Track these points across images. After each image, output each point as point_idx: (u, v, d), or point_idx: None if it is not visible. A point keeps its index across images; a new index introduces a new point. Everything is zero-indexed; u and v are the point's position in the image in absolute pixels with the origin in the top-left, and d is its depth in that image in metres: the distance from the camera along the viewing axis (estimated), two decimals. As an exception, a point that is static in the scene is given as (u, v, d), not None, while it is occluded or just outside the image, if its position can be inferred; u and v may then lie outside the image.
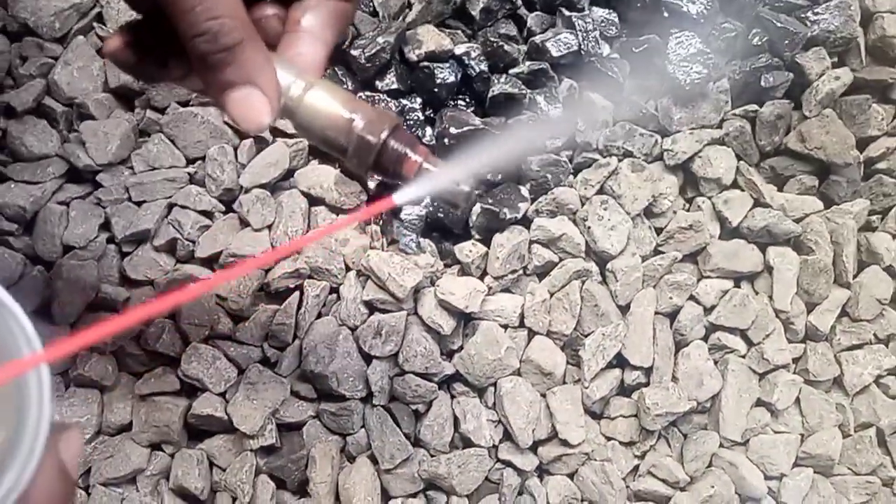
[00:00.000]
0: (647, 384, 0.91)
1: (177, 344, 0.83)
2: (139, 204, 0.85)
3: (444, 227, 0.90)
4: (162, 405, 0.83)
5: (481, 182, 0.89)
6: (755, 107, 0.95)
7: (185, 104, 0.87)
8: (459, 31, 0.93)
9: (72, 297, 0.82)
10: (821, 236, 0.95)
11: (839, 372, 0.96)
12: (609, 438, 0.91)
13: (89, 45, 0.87)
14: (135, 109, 0.89)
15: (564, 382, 0.90)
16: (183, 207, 0.85)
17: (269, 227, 0.85)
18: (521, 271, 0.90)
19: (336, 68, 0.89)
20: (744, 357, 0.94)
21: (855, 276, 0.97)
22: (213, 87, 0.44)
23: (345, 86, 0.89)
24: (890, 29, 0.98)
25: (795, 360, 0.96)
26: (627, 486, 0.90)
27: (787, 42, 0.95)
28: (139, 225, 0.84)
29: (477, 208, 0.89)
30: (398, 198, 0.48)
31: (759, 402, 0.94)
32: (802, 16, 0.97)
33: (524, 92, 0.90)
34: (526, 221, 0.91)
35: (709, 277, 0.94)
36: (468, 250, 0.88)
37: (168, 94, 0.87)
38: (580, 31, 0.93)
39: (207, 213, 0.86)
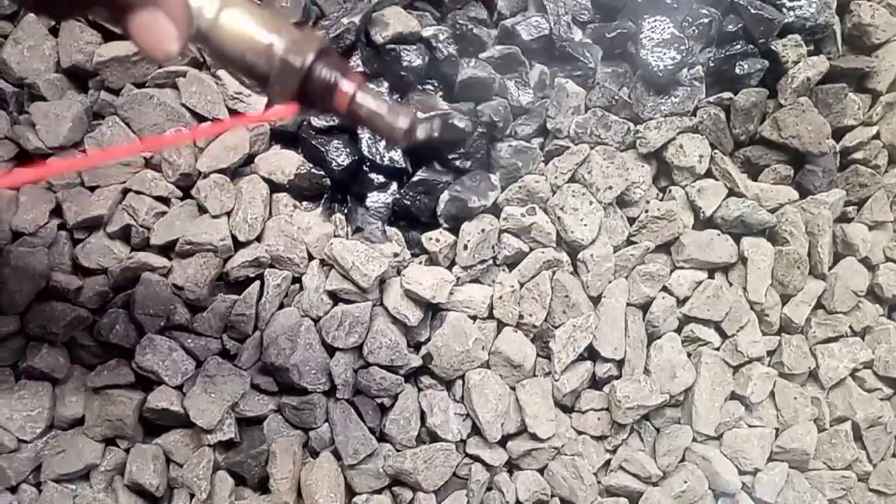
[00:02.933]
0: (618, 377, 0.89)
1: (131, 335, 0.80)
2: (92, 189, 0.82)
3: (411, 214, 0.87)
4: (116, 398, 0.80)
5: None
6: (730, 94, 0.93)
7: (140, 85, 0.84)
8: (427, 14, 0.90)
9: (21, 286, 0.78)
10: (796, 227, 0.93)
11: (814, 365, 0.94)
12: (580, 432, 0.89)
13: (40, 23, 0.83)
14: (88, 91, 0.85)
15: (534, 375, 0.88)
16: (138, 193, 0.82)
17: (228, 213, 0.82)
18: (490, 261, 0.87)
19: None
20: (717, 349, 0.92)
21: (830, 268, 0.95)
22: (115, 10, 0.40)
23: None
24: (866, 17, 0.96)
25: (770, 353, 0.94)
26: (599, 482, 0.87)
27: (762, 29, 0.93)
28: (92, 211, 0.80)
29: (445, 196, 0.86)
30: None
31: (733, 396, 0.92)
32: (778, 2, 0.95)
33: (494, 76, 0.87)
34: (496, 210, 0.88)
35: (682, 268, 0.92)
36: (436, 239, 0.86)
37: (123, 74, 0.84)
38: (552, 15, 0.90)
39: (164, 199, 0.82)
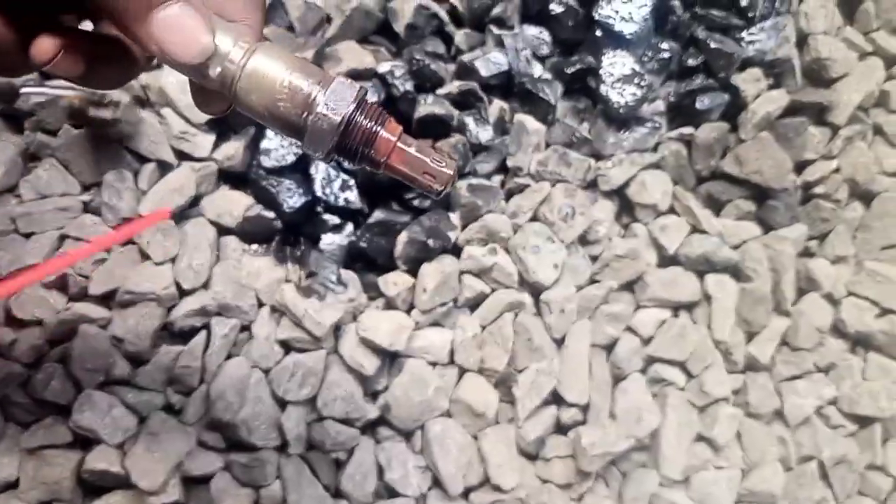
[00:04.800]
0: (583, 422, 0.86)
1: (68, 391, 0.75)
2: (27, 236, 0.77)
3: (367, 257, 0.84)
4: (52, 459, 0.75)
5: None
6: (691, 129, 0.92)
7: (79, 126, 0.79)
8: (383, 48, 0.87)
9: (-51, 340, 0.73)
10: (759, 263, 0.92)
11: (780, 403, 0.92)
12: (545, 481, 0.86)
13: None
14: (24, 132, 0.80)
15: (497, 422, 0.85)
16: (76, 239, 0.77)
17: (173, 260, 0.78)
18: (450, 304, 0.84)
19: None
20: (683, 390, 0.90)
21: (794, 304, 0.94)
22: (131, 14, 0.35)
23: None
24: (824, 50, 0.96)
25: (735, 392, 0.92)
26: (564, 532, 0.84)
27: (722, 63, 0.92)
28: (26, 259, 0.75)
29: (403, 237, 0.83)
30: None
31: (699, 437, 0.90)
32: (738, 36, 0.94)
33: (452, 113, 0.85)
34: (456, 250, 0.85)
35: (646, 307, 0.90)
36: (393, 282, 0.83)
37: (61, 115, 0.79)
38: (510, 49, 0.88)
39: (103, 246, 0.78)
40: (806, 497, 0.92)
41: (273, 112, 0.39)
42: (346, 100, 0.39)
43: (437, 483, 0.81)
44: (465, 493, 0.82)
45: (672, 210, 0.92)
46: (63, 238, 0.77)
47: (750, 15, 0.94)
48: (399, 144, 0.40)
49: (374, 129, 0.40)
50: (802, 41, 0.97)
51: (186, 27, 0.35)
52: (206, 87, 0.40)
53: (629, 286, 0.90)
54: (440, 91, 0.86)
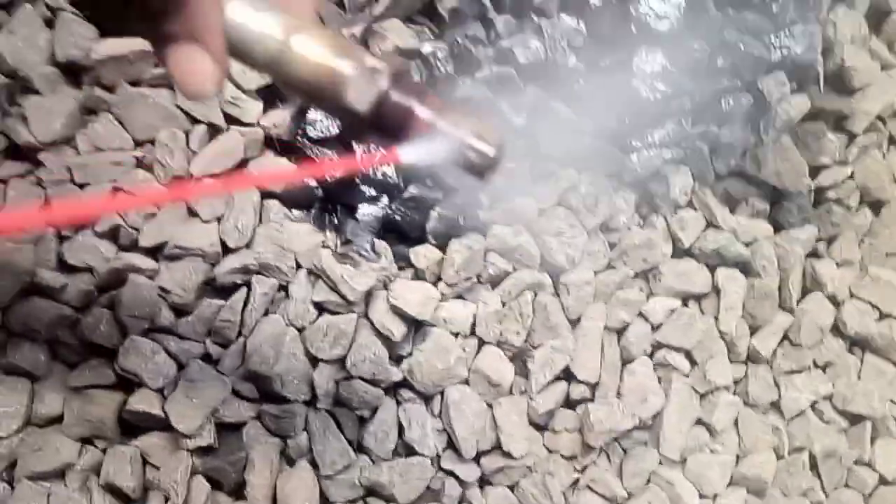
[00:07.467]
0: (592, 399, 0.91)
1: (114, 335, 0.79)
2: (82, 186, 0.81)
3: (400, 229, 0.88)
4: (96, 398, 0.79)
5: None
6: (714, 128, 0.96)
7: (135, 84, 0.83)
8: (426, 29, 0.91)
9: (4, 281, 0.77)
10: (769, 261, 0.96)
11: (777, 395, 0.97)
12: (551, 451, 0.91)
13: (37, 14, 0.82)
14: (82, 86, 0.84)
15: (511, 393, 0.90)
16: (128, 193, 0.81)
17: (219, 219, 0.82)
18: (475, 279, 0.89)
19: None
20: (687, 376, 0.95)
21: (798, 302, 0.99)
22: (155, 39, 0.38)
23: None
24: (849, 59, 0.99)
25: (736, 382, 0.97)
26: (566, 500, 0.90)
27: (749, 66, 0.95)
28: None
29: (434, 213, 0.87)
30: (407, 155, 0.39)
31: (699, 422, 0.95)
32: (766, 41, 0.97)
33: (489, 97, 0.89)
34: (483, 229, 0.89)
35: (658, 295, 0.94)
36: (424, 255, 0.87)
37: (118, 71, 0.83)
38: (548, 39, 0.91)
39: (154, 201, 0.82)
40: (795, 485, 0.97)
41: (309, 90, 0.39)
42: (382, 75, 0.38)
43: (451, 445, 0.86)
44: (477, 457, 0.87)
45: (690, 205, 0.96)
46: (116, 191, 0.81)
47: (780, 20, 0.98)
48: (439, 123, 0.39)
49: (410, 105, 0.39)
50: (828, 49, 1.00)
51: (194, 70, 0.38)
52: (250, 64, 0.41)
53: (644, 275, 0.95)
54: (478, 74, 0.90)
